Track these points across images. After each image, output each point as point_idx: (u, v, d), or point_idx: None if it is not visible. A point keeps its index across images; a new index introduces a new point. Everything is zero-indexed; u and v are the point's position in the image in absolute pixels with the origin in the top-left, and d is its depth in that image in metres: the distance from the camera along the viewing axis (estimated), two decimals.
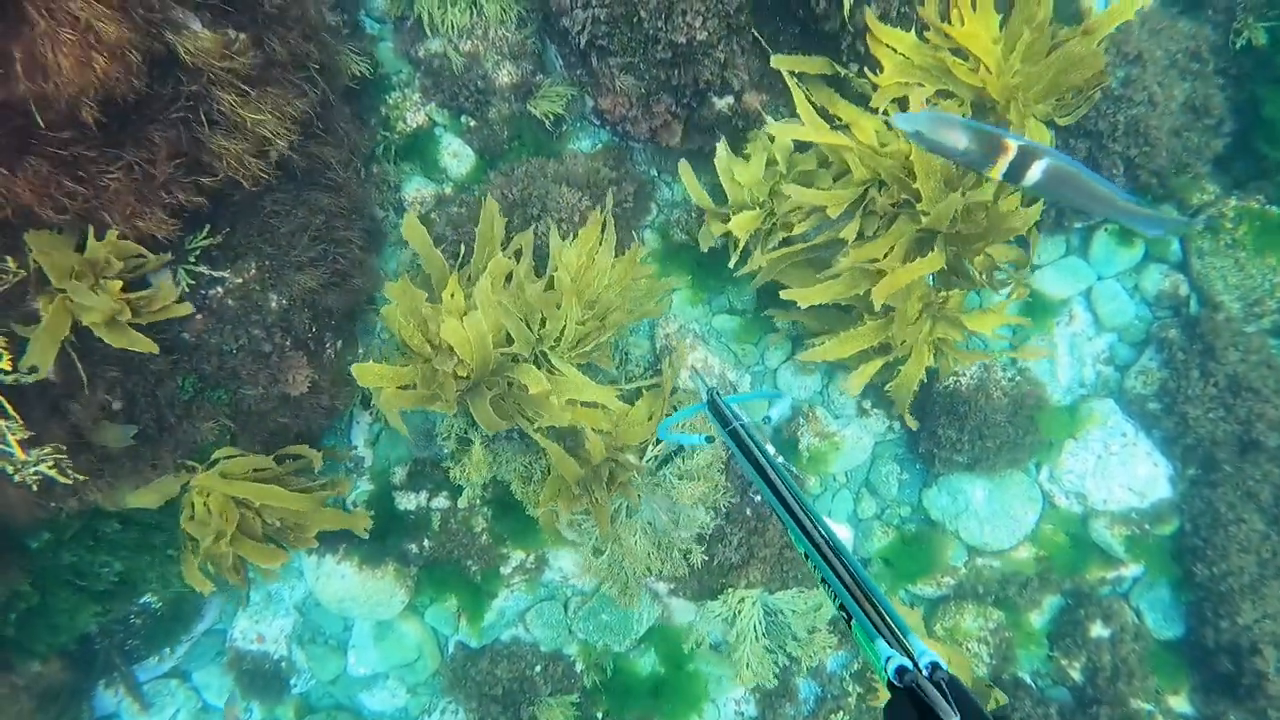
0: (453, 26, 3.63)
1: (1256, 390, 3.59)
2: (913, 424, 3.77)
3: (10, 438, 2.16)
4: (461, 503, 3.79)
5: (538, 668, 4.01)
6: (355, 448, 4.11)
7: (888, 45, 3.21)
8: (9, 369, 2.13)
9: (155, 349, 2.59)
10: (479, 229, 3.20)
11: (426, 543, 3.93)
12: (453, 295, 3.00)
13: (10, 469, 2.27)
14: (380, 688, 4.37)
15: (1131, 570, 3.98)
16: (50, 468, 2.31)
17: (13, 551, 3.05)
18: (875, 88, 3.28)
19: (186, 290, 2.82)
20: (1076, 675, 3.86)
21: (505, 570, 3.99)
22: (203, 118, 2.54)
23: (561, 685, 3.98)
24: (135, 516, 3.35)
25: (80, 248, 2.50)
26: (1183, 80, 3.69)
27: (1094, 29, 3.20)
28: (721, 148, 3.49)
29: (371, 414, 4.06)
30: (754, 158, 3.47)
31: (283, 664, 4.39)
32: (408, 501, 3.94)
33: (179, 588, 3.92)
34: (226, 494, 3.08)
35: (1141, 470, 3.86)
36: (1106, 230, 3.97)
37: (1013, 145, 2.31)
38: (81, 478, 2.43)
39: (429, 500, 3.91)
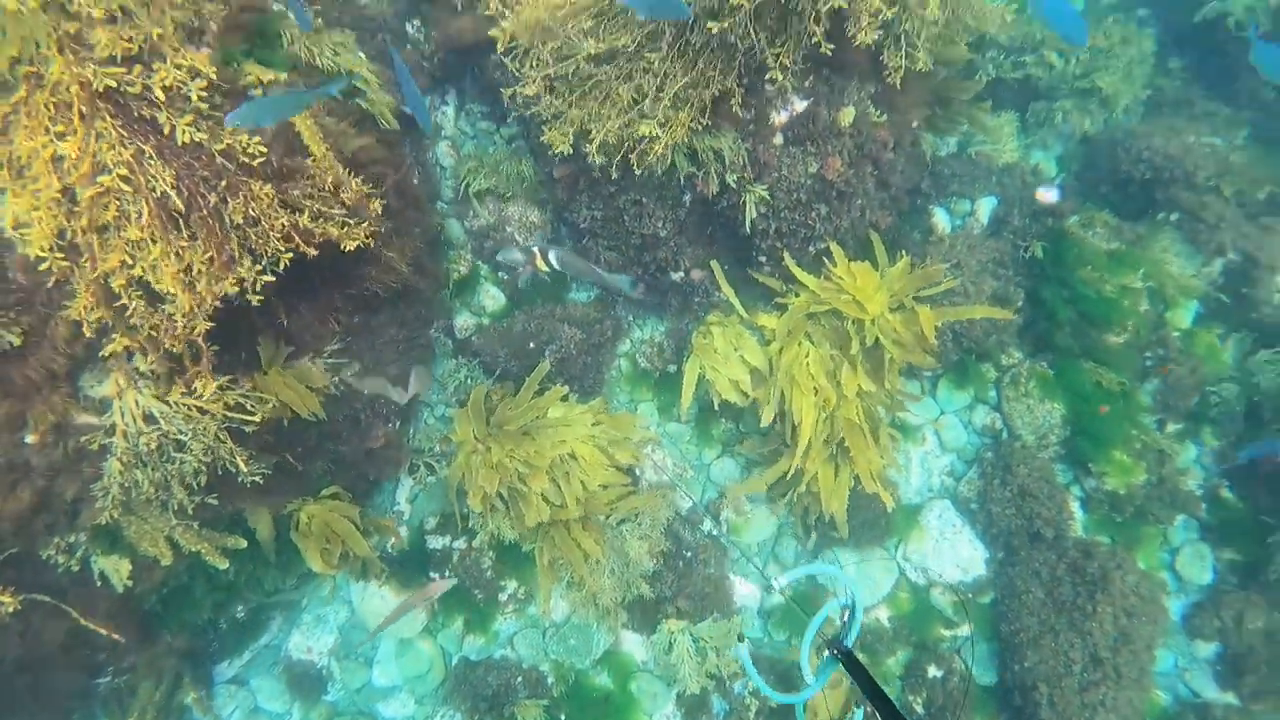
0: (494, 211, 5.39)
1: (1036, 496, 5.11)
2: (844, 531, 5.14)
3: (238, 460, 3.73)
4: (475, 543, 5.23)
5: (519, 678, 5.31)
6: (398, 504, 5.60)
7: (800, 282, 4.91)
8: (258, 421, 3.72)
9: (322, 413, 4.24)
10: (529, 379, 4.94)
11: (446, 574, 5.33)
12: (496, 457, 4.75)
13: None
14: (395, 698, 5.59)
15: (964, 630, 5.34)
16: (255, 476, 3.86)
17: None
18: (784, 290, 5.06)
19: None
20: (919, 708, 5.15)
21: (502, 598, 5.38)
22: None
23: (536, 692, 5.26)
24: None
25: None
26: (992, 279, 5.38)
27: (927, 324, 4.78)
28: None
29: (413, 479, 5.57)
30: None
31: (323, 672, 5.65)
32: (435, 543, 5.37)
33: (261, 598, 5.32)
34: (328, 524, 4.60)
35: (965, 552, 5.31)
36: (947, 379, 5.60)
37: (536, 251, 4.55)
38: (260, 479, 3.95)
39: (451, 542, 5.35)
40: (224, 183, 3.45)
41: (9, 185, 3.22)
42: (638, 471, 5.43)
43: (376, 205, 3.90)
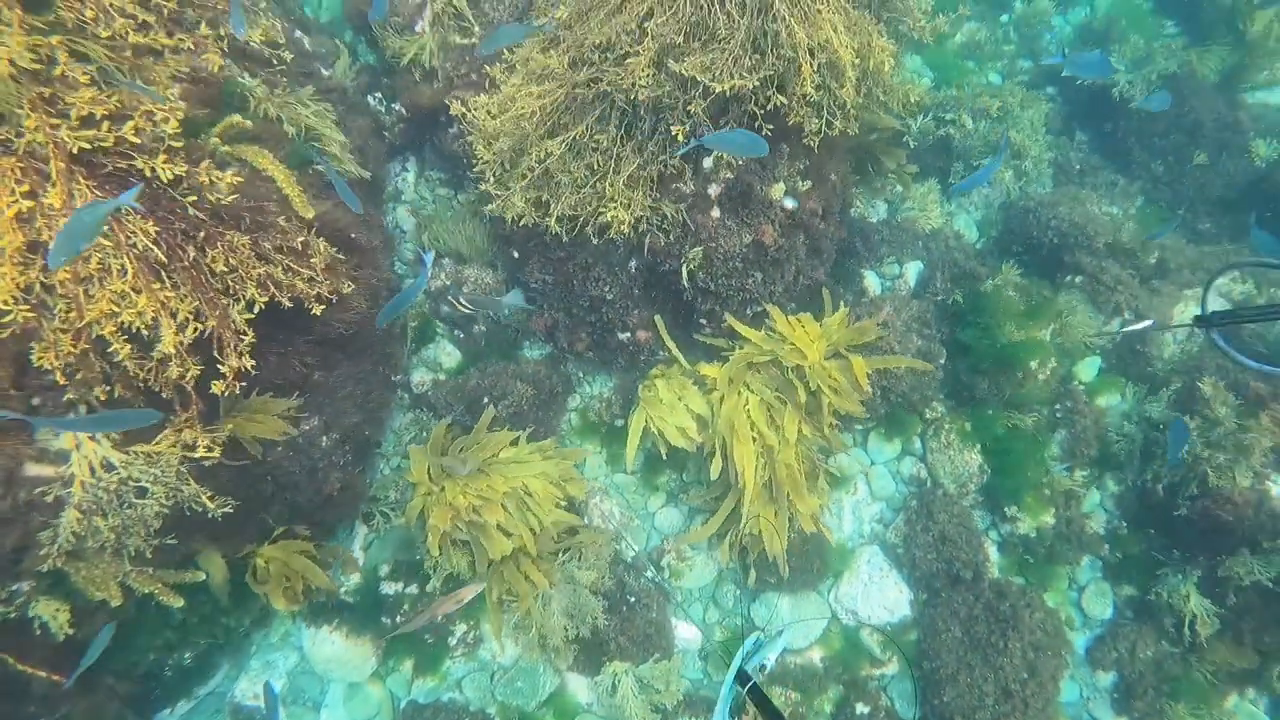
0: (451, 273, 5.65)
1: (954, 541, 5.51)
2: (784, 570, 5.42)
3: (203, 498, 3.90)
4: (429, 588, 5.39)
5: None
6: (354, 550, 5.73)
7: (742, 338, 5.25)
8: (218, 458, 3.91)
9: (293, 430, 4.47)
10: (479, 423, 5.20)
11: (399, 618, 5.47)
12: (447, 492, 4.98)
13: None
14: None
15: (890, 669, 5.68)
16: (225, 509, 4.03)
17: None
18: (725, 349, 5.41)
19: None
20: None
21: (451, 642, 5.54)
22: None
23: None
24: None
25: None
26: (917, 338, 5.81)
27: (860, 372, 5.24)
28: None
29: (368, 527, 5.72)
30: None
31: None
32: (388, 589, 5.51)
33: (214, 639, 5.35)
34: (286, 563, 4.75)
35: (892, 595, 5.67)
36: (877, 432, 6.00)
37: (452, 299, 4.78)
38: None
39: (404, 588, 5.50)
40: (202, 234, 3.66)
41: None
42: (585, 520, 5.68)
43: (347, 286, 4.16)
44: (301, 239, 4.00)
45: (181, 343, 3.57)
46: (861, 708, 5.48)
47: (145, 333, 3.55)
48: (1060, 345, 5.98)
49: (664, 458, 5.54)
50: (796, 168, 4.93)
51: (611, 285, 5.17)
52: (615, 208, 4.31)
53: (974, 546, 5.55)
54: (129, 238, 3.56)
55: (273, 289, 3.87)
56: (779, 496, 5.27)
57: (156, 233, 3.57)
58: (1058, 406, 5.98)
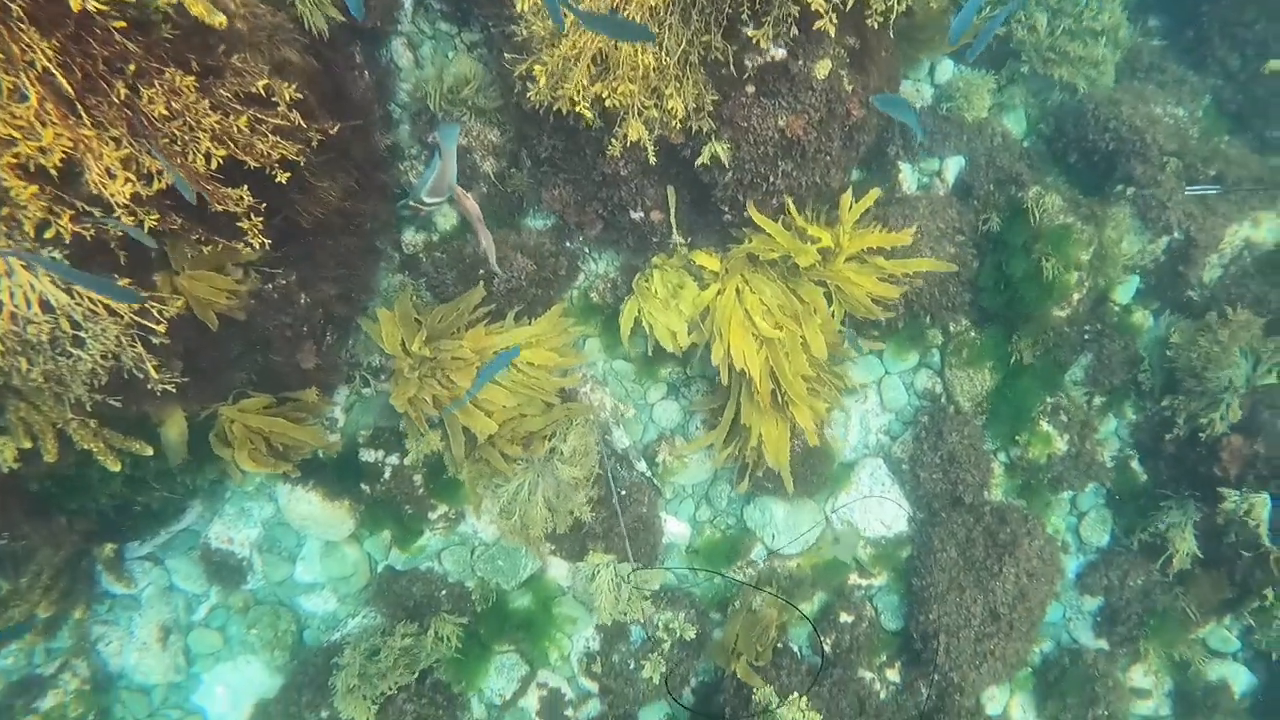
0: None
1: (962, 463, 5.28)
2: (790, 485, 5.25)
3: (148, 366, 3.51)
4: (407, 461, 5.17)
5: (443, 592, 5.39)
6: (334, 412, 5.46)
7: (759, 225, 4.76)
8: (163, 331, 3.50)
9: (214, 323, 4.00)
10: (463, 299, 4.86)
11: (377, 486, 5.29)
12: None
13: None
14: (317, 594, 5.61)
15: (878, 581, 5.60)
16: (166, 384, 3.64)
17: None
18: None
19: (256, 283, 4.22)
20: (827, 647, 5.41)
21: (432, 516, 5.39)
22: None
23: (458, 607, 5.37)
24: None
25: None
26: (949, 246, 5.38)
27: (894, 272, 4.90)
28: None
29: (348, 388, 5.44)
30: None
31: (244, 563, 5.54)
32: (368, 455, 5.29)
33: (165, 492, 5.13)
34: (247, 425, 4.48)
35: (890, 511, 5.51)
36: (894, 340, 5.65)
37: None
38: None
39: (385, 457, 5.27)
40: (132, 67, 3.10)
41: None
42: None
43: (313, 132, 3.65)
44: (263, 83, 3.43)
45: (134, 191, 3.09)
46: (845, 616, 5.41)
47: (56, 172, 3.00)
48: (1099, 265, 5.55)
49: (664, 352, 5.20)
50: (845, 43, 4.35)
51: (627, 160, 4.66)
52: (670, 96, 3.81)
53: (982, 470, 5.34)
54: (24, 52, 2.96)
55: (233, 145, 3.35)
56: (783, 405, 4.98)
57: (56, 53, 2.96)
58: (1086, 328, 5.62)
